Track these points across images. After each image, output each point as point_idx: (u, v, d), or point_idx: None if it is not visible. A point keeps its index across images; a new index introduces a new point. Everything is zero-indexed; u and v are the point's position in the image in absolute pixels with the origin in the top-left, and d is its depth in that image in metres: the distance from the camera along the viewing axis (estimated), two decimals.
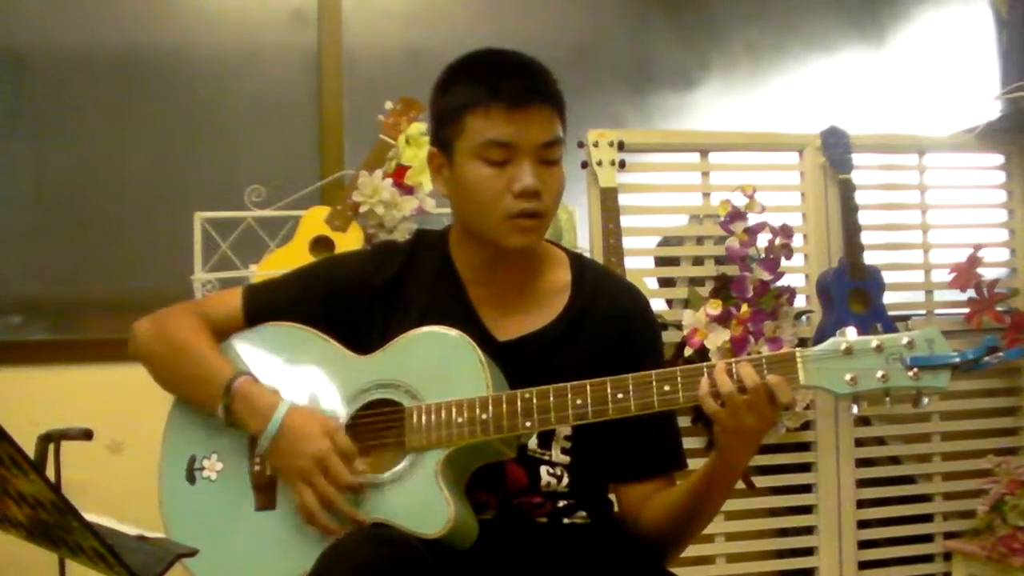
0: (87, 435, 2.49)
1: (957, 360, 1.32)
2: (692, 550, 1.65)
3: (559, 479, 1.55)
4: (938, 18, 3.78)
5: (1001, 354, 1.32)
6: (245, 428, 1.52)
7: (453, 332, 1.49)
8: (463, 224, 1.59)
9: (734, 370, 1.37)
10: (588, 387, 1.42)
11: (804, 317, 2.91)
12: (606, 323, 1.59)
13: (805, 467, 2.90)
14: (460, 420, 1.44)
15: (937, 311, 3.07)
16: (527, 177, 1.48)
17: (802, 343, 2.78)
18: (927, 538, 2.98)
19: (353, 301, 1.60)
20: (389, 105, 2.69)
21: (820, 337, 2.76)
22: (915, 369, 1.32)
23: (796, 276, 2.88)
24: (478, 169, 1.50)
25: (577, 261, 1.66)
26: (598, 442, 1.55)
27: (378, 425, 1.51)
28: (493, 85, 1.48)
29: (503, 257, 1.55)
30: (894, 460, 3.04)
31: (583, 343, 1.58)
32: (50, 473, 2.42)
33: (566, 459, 1.56)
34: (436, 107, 1.57)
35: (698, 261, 2.87)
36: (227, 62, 3.15)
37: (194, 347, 1.58)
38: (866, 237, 2.84)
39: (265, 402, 1.50)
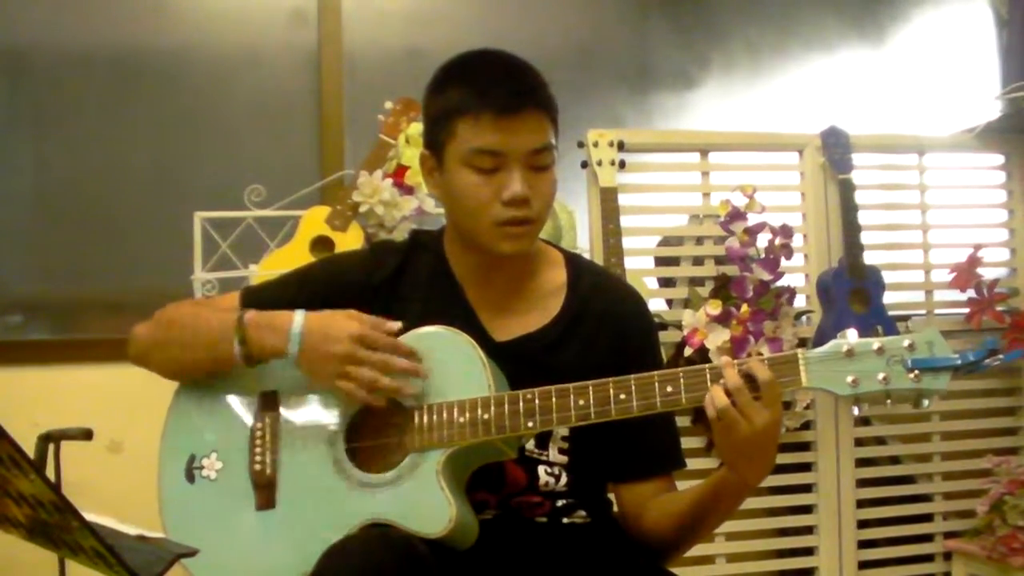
0: (87, 435, 2.49)
1: (958, 362, 1.32)
2: (692, 549, 1.65)
3: (557, 479, 1.55)
4: (938, 18, 3.77)
5: (1001, 356, 1.32)
6: (268, 351, 1.50)
7: (455, 332, 1.49)
8: (455, 227, 1.59)
9: (739, 369, 1.37)
10: (591, 388, 1.42)
11: (804, 317, 2.91)
12: (602, 324, 1.59)
13: (805, 467, 2.90)
14: (462, 420, 1.44)
15: (937, 311, 3.08)
16: (516, 185, 1.47)
17: (802, 343, 2.78)
18: (927, 538, 2.98)
19: (350, 301, 1.59)
20: (389, 105, 2.69)
21: (820, 337, 2.77)
22: (916, 371, 1.33)
23: (796, 276, 2.88)
24: (467, 176, 1.49)
25: (573, 262, 1.66)
26: (595, 442, 1.55)
27: (379, 425, 1.50)
28: (483, 91, 1.47)
29: (496, 260, 1.55)
30: (894, 460, 3.04)
31: (579, 344, 1.57)
32: (50, 473, 2.42)
33: (564, 459, 1.56)
34: (428, 109, 1.56)
35: (698, 261, 2.86)
36: (227, 62, 3.15)
37: (197, 315, 1.59)
38: (866, 237, 2.84)
39: (280, 319, 1.50)
